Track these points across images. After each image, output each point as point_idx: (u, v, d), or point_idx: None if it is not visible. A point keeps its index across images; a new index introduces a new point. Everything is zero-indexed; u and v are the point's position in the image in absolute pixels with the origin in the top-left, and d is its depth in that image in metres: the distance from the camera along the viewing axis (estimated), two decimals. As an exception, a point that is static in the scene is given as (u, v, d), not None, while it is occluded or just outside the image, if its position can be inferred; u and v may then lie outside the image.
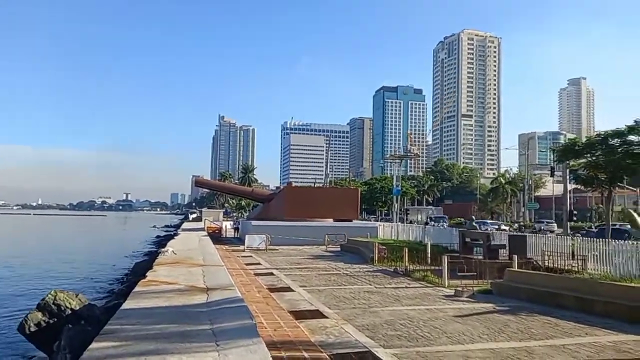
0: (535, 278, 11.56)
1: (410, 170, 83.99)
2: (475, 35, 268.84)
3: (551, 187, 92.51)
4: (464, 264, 13.78)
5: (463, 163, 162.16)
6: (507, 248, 15.88)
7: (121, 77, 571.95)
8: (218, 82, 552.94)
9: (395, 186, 31.48)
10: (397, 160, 55.19)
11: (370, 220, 53.03)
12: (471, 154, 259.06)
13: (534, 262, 14.91)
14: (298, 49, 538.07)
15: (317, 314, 9.72)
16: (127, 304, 7.47)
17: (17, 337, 10.07)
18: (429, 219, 56.54)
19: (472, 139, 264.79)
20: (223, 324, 6.11)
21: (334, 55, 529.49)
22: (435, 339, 7.86)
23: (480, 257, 16.16)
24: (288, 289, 12.83)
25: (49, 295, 9.55)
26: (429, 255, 18.45)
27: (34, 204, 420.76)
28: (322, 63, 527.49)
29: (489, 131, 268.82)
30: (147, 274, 10.88)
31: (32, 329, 9.02)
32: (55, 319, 9.10)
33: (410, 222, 52.12)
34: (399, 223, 33.71)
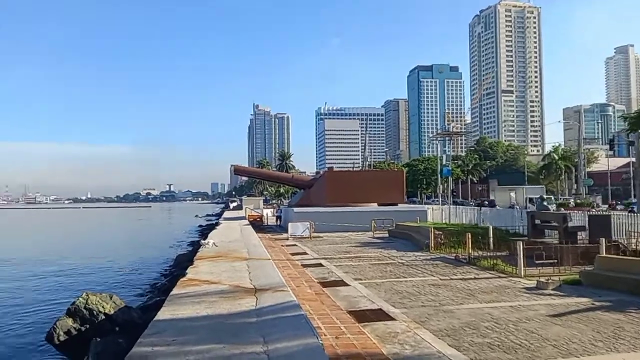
0: (637, 266, 9.69)
1: (452, 150, 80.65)
2: (513, 6, 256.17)
3: (603, 162, 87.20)
4: (542, 249, 11.99)
5: (505, 141, 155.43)
6: (587, 230, 13.92)
7: (152, 74, 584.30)
8: (251, 70, 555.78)
9: (445, 165, 29.34)
10: (445, 138, 51.35)
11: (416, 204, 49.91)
12: (513, 131, 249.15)
13: (622, 246, 12.92)
14: (327, 31, 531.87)
15: (381, 315, 8.32)
16: (163, 313, 6.30)
17: (46, 347, 9.17)
18: (528, 200, 46.99)
19: (513, 116, 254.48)
20: (279, 343, 4.82)
21: (364, 36, 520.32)
22: (539, 349, 6.29)
23: (554, 241, 14.26)
24: (342, 283, 11.50)
25: (80, 299, 8.63)
26: (491, 240, 16.74)
27: (84, 197, 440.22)
28: (352, 45, 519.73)
29: (532, 107, 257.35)
30: (187, 271, 9.79)
31: (62, 338, 8.14)
32: (88, 326, 8.18)
33: (493, 206, 42.25)
34: (452, 205, 31.71)
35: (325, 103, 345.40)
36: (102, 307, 8.56)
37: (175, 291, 7.49)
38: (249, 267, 10.37)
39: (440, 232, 17.58)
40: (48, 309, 14.70)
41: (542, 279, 10.36)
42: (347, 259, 16.14)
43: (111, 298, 9.19)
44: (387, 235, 23.96)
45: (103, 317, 8.37)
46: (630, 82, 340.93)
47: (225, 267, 10.52)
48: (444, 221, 27.31)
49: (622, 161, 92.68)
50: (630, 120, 21.40)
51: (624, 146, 78.30)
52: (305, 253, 18.02)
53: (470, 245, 14.44)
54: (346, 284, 11.34)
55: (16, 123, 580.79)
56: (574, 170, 64.12)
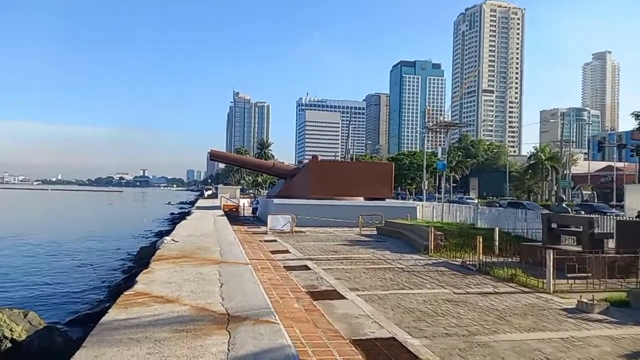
0: None
1: (430, 147, 79.20)
2: (498, 6, 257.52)
3: (581, 165, 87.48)
4: (575, 260, 10.08)
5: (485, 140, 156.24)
6: (615, 237, 12.15)
7: (137, 53, 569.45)
8: (232, 57, 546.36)
9: (440, 160, 27.44)
10: (427, 134, 49.33)
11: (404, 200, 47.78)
12: (492, 130, 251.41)
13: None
14: (312, 23, 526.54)
15: (398, 349, 6.21)
16: (80, 361, 4.00)
17: None
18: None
19: (492, 115, 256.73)
20: None
21: (349, 30, 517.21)
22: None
23: (574, 248, 12.43)
24: (336, 294, 9.36)
25: (-22, 320, 6.20)
26: (496, 244, 14.87)
27: (54, 179, 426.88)
28: (336, 38, 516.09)
29: (511, 107, 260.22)
30: (137, 279, 7.45)
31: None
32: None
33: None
34: (446, 203, 29.90)
35: (307, 94, 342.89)
36: (10, 329, 6.17)
37: (110, 316, 5.14)
38: (221, 276, 8.05)
39: (441, 233, 15.60)
40: None
41: (585, 299, 8.42)
42: (336, 260, 14.01)
43: (26, 316, 6.77)
44: (375, 232, 21.94)
45: (9, 344, 6.01)
46: (605, 88, 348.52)
47: (190, 273, 8.17)
48: (435, 219, 25.47)
49: (599, 164, 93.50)
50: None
51: (608, 149, 78.23)
52: (287, 251, 15.82)
53: (481, 251, 12.48)
54: (341, 296, 9.20)
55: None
56: (560, 172, 63.63)
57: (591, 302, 8.26)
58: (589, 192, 59.29)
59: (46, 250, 24.61)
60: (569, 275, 9.98)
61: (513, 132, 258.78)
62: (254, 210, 31.76)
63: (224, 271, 8.56)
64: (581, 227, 12.39)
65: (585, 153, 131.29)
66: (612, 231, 12.87)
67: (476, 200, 51.44)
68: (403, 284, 10.51)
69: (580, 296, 8.62)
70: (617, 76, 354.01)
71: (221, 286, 7.10)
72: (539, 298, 9.27)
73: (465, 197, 68.92)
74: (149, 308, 5.58)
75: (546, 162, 59.99)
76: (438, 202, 38.72)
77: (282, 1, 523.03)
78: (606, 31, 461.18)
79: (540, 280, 10.14)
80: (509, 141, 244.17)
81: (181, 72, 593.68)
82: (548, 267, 9.75)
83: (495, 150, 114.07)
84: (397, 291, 9.78)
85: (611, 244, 12.94)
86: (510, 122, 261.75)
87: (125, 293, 6.36)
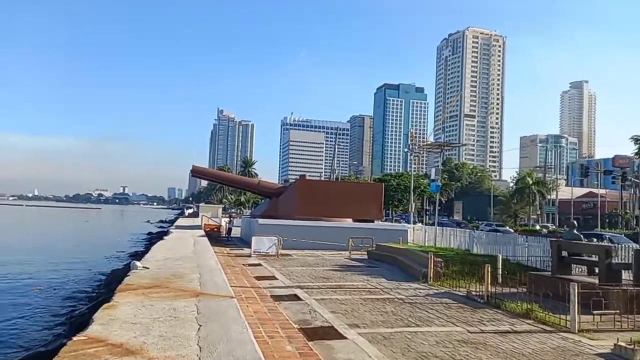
0: None
1: (415, 169, 78.82)
2: (480, 33, 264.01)
3: (563, 190, 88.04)
4: (602, 295, 9.01)
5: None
6: (633, 268, 11.15)
7: (120, 68, 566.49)
8: (217, 75, 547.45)
9: (434, 180, 26.53)
10: (434, 150, 47.52)
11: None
12: (473, 154, 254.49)
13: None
14: (298, 43, 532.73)
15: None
16: None
17: None
18: None
19: (474, 140, 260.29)
20: None
21: (334, 51, 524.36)
22: None
23: (587, 279, 11.41)
24: (334, 333, 8.07)
25: None
26: (499, 273, 13.77)
27: (30, 195, 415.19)
28: (322, 59, 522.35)
29: (492, 132, 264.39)
30: (93, 318, 6.03)
31: None
32: None
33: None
34: (445, 227, 28.81)
35: (292, 113, 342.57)
36: None
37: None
38: (200, 315, 6.63)
39: (441, 260, 14.45)
40: None
41: (622, 343, 7.29)
42: (328, 288, 12.71)
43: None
44: (366, 256, 20.70)
45: None
46: (582, 117, 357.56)
47: (162, 310, 6.74)
48: (427, 243, 24.39)
49: (581, 191, 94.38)
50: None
51: (587, 176, 78.92)
52: (273, 277, 14.46)
53: (489, 281, 11.35)
54: (341, 336, 7.91)
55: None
56: (546, 197, 63.66)
57: (631, 346, 7.15)
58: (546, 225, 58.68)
59: (6, 271, 22.51)
60: (594, 312, 8.88)
61: (494, 156, 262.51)
62: (229, 230, 30.23)
63: (204, 307, 7.17)
64: (596, 256, 11.38)
65: (565, 179, 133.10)
66: (630, 262, 11.91)
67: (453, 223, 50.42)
68: (408, 320, 9.27)
69: (617, 339, 7.49)
70: (594, 105, 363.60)
71: (199, 329, 5.74)
72: (565, 339, 8.12)
73: (447, 219, 68.47)
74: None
75: (533, 187, 59.97)
76: (425, 224, 37.78)
77: (267, 20, 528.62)
78: (583, 62, 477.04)
79: (560, 316, 9.02)
80: (489, 165, 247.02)
81: (165, 87, 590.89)
82: (572, 302, 8.64)
83: (479, 174, 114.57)
84: (403, 329, 8.53)
85: (624, 274, 12.02)
86: (491, 146, 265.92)
87: (74, 339, 4.97)
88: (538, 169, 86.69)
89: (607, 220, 64.46)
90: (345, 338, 7.75)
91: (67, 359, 4.32)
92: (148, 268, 11.08)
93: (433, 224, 39.08)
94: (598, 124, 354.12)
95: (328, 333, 8.06)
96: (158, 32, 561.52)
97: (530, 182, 60.75)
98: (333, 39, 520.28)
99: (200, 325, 5.91)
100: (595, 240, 16.57)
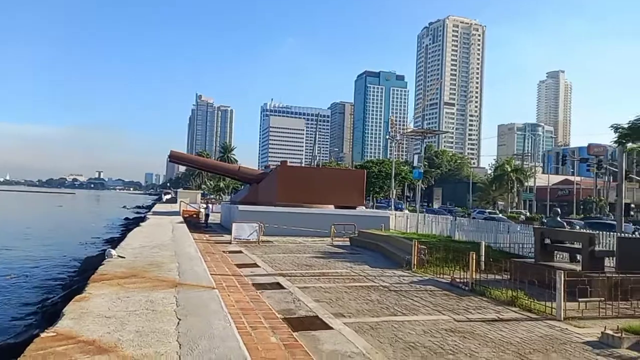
0: None
1: (393, 156, 78.53)
2: (461, 22, 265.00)
3: (539, 177, 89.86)
4: (587, 283, 8.99)
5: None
6: (616, 255, 11.22)
7: (96, 52, 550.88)
8: (196, 59, 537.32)
9: (417, 168, 26.41)
10: (418, 137, 47.05)
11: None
12: (452, 142, 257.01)
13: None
14: (281, 30, 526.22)
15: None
16: None
17: None
18: None
19: (453, 128, 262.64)
20: None
21: (315, 38, 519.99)
22: None
23: (569, 266, 11.44)
24: (319, 322, 7.83)
25: None
26: (482, 259, 13.75)
27: (1, 179, 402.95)
28: (305, 46, 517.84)
29: (471, 120, 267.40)
30: (64, 311, 5.59)
31: None
32: None
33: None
34: (424, 213, 28.84)
35: (272, 99, 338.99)
36: None
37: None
38: (179, 307, 6.24)
39: (424, 247, 14.35)
40: None
41: (609, 331, 7.25)
42: (311, 276, 12.47)
43: None
44: (348, 243, 20.55)
45: None
46: (558, 106, 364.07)
47: (138, 303, 6.33)
48: (409, 230, 24.39)
49: (557, 178, 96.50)
50: (623, 131, 19.53)
51: (562, 163, 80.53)
52: (255, 264, 14.15)
53: (474, 269, 11.27)
54: (326, 326, 7.67)
55: None
56: (523, 184, 64.68)
57: (618, 334, 7.11)
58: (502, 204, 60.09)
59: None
60: (580, 299, 8.85)
61: (472, 144, 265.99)
62: (206, 216, 29.73)
63: (183, 298, 6.79)
64: (579, 243, 11.40)
65: (542, 166, 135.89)
66: (612, 249, 11.99)
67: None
68: (394, 308, 9.09)
69: (605, 327, 7.45)
70: (569, 95, 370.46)
71: (178, 323, 5.37)
72: (552, 327, 8.06)
73: (438, 207, 68.95)
74: (72, 363, 3.83)
75: (512, 174, 60.79)
76: (407, 211, 37.87)
77: (250, 7, 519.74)
78: (560, 51, 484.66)
79: (546, 304, 8.97)
80: (468, 153, 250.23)
81: (142, 73, 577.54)
82: (559, 290, 8.58)
83: (458, 162, 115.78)
84: (390, 317, 8.35)
85: (607, 262, 12.11)
86: (470, 134, 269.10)
87: (42, 336, 4.56)
88: (515, 156, 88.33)
89: (581, 207, 66.14)
90: (331, 328, 7.52)
91: (33, 358, 3.93)
92: (124, 257, 10.60)
93: (423, 211, 39.20)
94: (573, 113, 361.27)
95: (313, 323, 7.81)
96: (138, 18, 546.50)
97: (509, 170, 61.58)
98: (315, 26, 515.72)
99: (180, 319, 5.55)
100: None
